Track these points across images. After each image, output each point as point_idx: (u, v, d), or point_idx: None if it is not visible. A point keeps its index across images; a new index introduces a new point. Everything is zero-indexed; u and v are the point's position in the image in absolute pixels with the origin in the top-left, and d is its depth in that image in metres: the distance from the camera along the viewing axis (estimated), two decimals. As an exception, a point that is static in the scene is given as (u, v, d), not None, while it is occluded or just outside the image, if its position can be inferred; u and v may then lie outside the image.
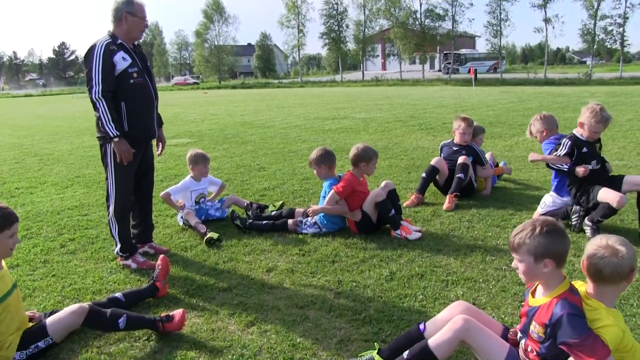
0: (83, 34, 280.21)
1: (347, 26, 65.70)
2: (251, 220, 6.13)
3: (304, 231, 5.93)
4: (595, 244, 2.69)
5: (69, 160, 11.67)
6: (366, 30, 63.65)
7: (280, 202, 6.92)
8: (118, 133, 4.75)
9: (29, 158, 12.33)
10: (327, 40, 66.14)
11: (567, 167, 5.63)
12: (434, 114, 18.94)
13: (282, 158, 10.83)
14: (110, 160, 4.93)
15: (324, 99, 31.42)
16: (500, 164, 8.27)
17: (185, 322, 3.79)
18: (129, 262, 5.11)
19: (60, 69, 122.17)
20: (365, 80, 58.82)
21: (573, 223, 5.60)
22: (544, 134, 6.02)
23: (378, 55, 74.24)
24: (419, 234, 5.60)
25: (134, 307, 4.17)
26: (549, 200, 5.99)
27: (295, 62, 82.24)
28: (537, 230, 2.69)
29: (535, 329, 2.71)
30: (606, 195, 5.34)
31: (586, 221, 5.47)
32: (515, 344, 2.94)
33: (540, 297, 2.77)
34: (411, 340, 3.09)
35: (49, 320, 3.52)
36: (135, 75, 4.85)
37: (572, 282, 2.80)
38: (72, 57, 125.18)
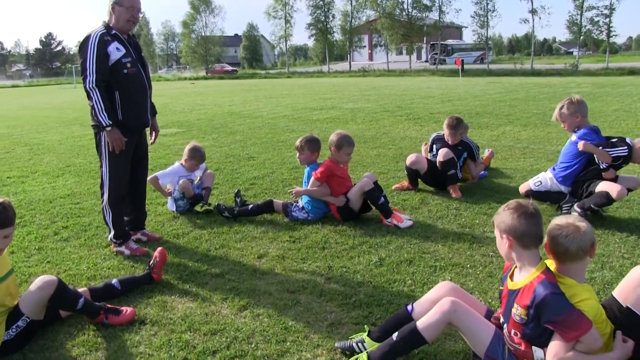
0: (70, 25, 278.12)
1: (334, 17, 65.72)
2: (237, 208, 6.24)
3: (293, 214, 6.06)
4: (557, 224, 2.84)
5: (59, 150, 11.68)
6: (353, 20, 63.67)
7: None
8: (110, 122, 4.81)
9: (19, 148, 12.34)
10: (314, 31, 66.07)
11: (605, 165, 5.67)
12: (421, 104, 19.05)
13: (271, 147, 10.89)
14: (104, 148, 4.99)
15: (311, 90, 31.45)
16: (485, 152, 8.34)
17: (131, 320, 3.83)
18: (122, 248, 5.18)
19: (47, 59, 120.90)
20: (352, 71, 58.81)
21: (563, 212, 5.72)
22: (579, 119, 5.95)
23: (365, 46, 74.36)
24: (410, 222, 5.71)
25: (129, 292, 4.26)
26: (548, 181, 6.09)
27: (282, 52, 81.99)
28: (505, 207, 2.87)
29: (518, 311, 2.79)
30: (607, 186, 5.49)
31: (575, 207, 5.58)
32: (499, 326, 3.04)
33: (519, 280, 2.86)
34: (400, 322, 3.19)
35: (20, 300, 3.60)
36: (129, 65, 4.90)
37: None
38: (59, 47, 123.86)
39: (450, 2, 58.91)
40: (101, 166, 5.12)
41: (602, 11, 49.25)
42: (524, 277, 2.83)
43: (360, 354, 3.12)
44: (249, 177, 8.26)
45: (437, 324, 2.94)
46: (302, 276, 4.53)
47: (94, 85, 4.74)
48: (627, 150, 5.61)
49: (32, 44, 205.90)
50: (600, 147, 5.68)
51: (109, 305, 3.88)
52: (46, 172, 9.27)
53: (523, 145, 10.12)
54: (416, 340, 2.97)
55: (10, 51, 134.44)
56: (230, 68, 76.19)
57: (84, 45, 4.79)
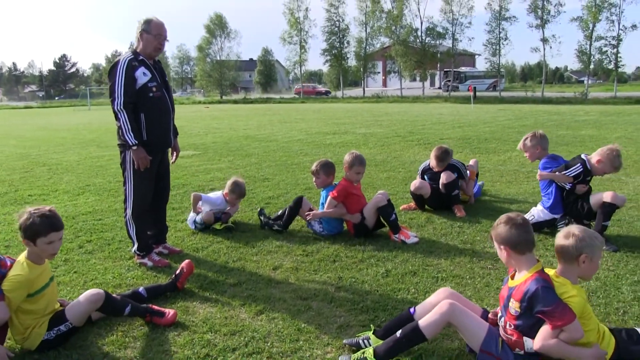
0: (84, 47, 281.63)
1: (349, 43, 66.30)
2: (272, 222, 6.73)
3: (311, 222, 6.47)
4: (563, 231, 3.32)
5: (77, 170, 12.05)
6: (367, 47, 64.28)
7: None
8: (137, 142, 5.21)
9: (38, 167, 12.69)
10: (328, 57, 66.69)
11: (569, 186, 6.13)
12: (432, 130, 19.44)
13: (285, 170, 11.28)
14: (129, 166, 5.39)
15: (324, 115, 31.95)
16: (471, 162, 8.47)
17: (173, 322, 4.18)
18: (145, 260, 5.55)
19: (60, 81, 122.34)
20: (366, 97, 59.42)
21: (559, 229, 6.05)
22: (538, 150, 6.42)
23: (379, 72, 74.87)
24: (416, 239, 6.07)
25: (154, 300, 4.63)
26: (540, 214, 6.41)
27: (296, 77, 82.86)
28: (498, 221, 3.35)
29: (513, 305, 3.23)
30: (600, 196, 5.91)
31: None
32: (494, 323, 3.43)
33: (517, 279, 3.30)
34: (402, 322, 3.54)
35: (67, 307, 3.97)
36: (154, 89, 5.33)
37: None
38: (73, 69, 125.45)
39: (463, 30, 59.26)
40: (125, 183, 5.51)
41: (609, 42, 49.80)
42: (521, 276, 3.26)
43: (366, 348, 3.45)
44: (264, 197, 8.64)
45: (436, 323, 3.28)
46: (314, 285, 4.88)
47: (121, 107, 5.16)
48: (581, 167, 6.05)
49: (46, 65, 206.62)
50: (557, 172, 6.15)
51: (154, 308, 4.25)
52: (67, 191, 9.60)
53: (527, 169, 10.45)
54: (417, 337, 3.31)
55: (23, 72, 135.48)
56: (323, 89, 75.01)
57: (113, 69, 5.23)
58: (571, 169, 6.11)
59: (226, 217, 6.91)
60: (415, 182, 7.43)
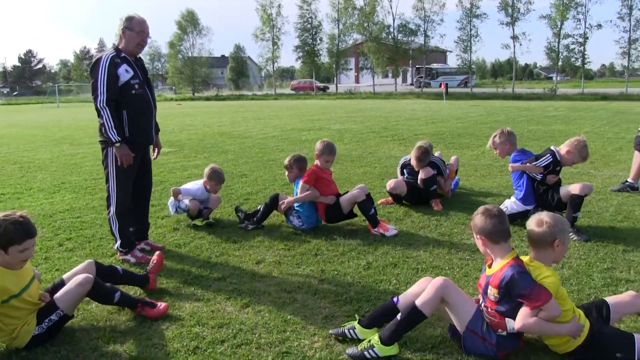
0: (51, 43, 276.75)
1: (321, 39, 66.38)
2: (248, 219, 6.79)
3: (290, 218, 6.58)
4: (533, 218, 3.51)
5: (51, 168, 11.92)
6: (340, 44, 64.38)
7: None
8: (120, 138, 5.24)
9: (9, 166, 12.50)
10: (301, 54, 66.69)
11: (540, 176, 6.35)
12: (406, 126, 19.65)
13: (262, 166, 11.35)
14: (111, 163, 5.41)
15: (298, 111, 32.01)
16: (451, 160, 8.59)
17: (163, 314, 4.25)
18: (128, 256, 5.59)
19: (26, 77, 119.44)
20: (338, 93, 59.54)
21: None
22: (507, 146, 6.65)
23: (351, 69, 75.14)
24: (395, 231, 6.22)
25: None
26: (513, 205, 6.59)
27: (269, 74, 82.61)
28: (476, 213, 3.54)
29: (492, 291, 3.40)
30: (568, 188, 6.12)
31: None
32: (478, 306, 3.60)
33: (494, 267, 3.46)
34: (386, 311, 3.70)
35: (56, 296, 3.95)
36: (136, 86, 5.37)
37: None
38: (40, 65, 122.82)
39: (435, 27, 59.85)
40: (107, 180, 5.53)
41: (577, 39, 50.90)
42: (497, 264, 3.43)
43: (372, 336, 3.55)
44: (242, 192, 8.71)
45: (432, 299, 3.41)
46: (298, 278, 4.98)
47: (104, 104, 5.18)
48: (551, 157, 6.30)
49: (10, 61, 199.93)
50: (527, 164, 6.37)
51: (146, 299, 4.31)
52: (42, 189, 9.51)
53: (501, 164, 10.66)
54: (417, 316, 3.44)
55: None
56: (321, 85, 73.35)
57: (95, 66, 5.25)
58: (541, 159, 6.34)
59: (207, 212, 6.96)
60: (391, 182, 7.56)
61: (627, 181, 8.32)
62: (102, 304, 4.28)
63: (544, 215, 3.46)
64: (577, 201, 6.05)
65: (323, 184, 6.59)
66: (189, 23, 71.15)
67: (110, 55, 5.26)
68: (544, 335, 3.48)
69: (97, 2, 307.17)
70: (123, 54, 5.35)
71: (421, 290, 3.56)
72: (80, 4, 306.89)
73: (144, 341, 3.87)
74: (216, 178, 7.05)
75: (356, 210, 6.57)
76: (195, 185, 7.12)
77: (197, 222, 6.83)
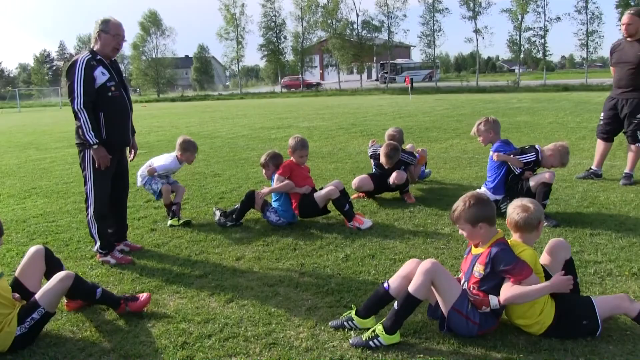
0: (9, 47, 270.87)
1: (286, 38, 66.50)
2: (226, 218, 6.84)
3: (267, 214, 6.68)
4: (514, 205, 3.76)
5: (19, 174, 11.74)
6: (304, 41, 64.55)
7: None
8: (97, 141, 5.28)
9: (-25, 172, 12.26)
10: (265, 52, 66.65)
11: (519, 170, 6.54)
12: (373, 121, 19.86)
13: (234, 165, 11.40)
14: (88, 165, 5.43)
15: (265, 110, 32.01)
16: (419, 152, 8.37)
17: (147, 305, 4.33)
18: (108, 258, 5.61)
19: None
20: (304, 91, 59.68)
21: (502, 211, 6.43)
22: (491, 135, 6.81)
23: (316, 66, 75.34)
24: (370, 223, 6.37)
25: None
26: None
27: (234, 74, 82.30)
28: (467, 204, 3.65)
29: (478, 268, 3.61)
30: (537, 177, 6.36)
31: None
32: None
33: (480, 247, 3.68)
34: (380, 298, 3.84)
35: (38, 294, 3.93)
36: (113, 88, 5.40)
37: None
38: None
39: (398, 23, 60.51)
40: (85, 182, 5.55)
41: (537, 32, 52.13)
42: (484, 244, 3.64)
43: (376, 325, 3.67)
44: (217, 192, 8.77)
45: (424, 283, 3.53)
46: (278, 273, 5.08)
47: (81, 106, 5.21)
48: (534, 156, 6.50)
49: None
50: (512, 155, 6.55)
51: (127, 295, 4.38)
52: (12, 195, 9.40)
53: (469, 155, 10.92)
54: (412, 302, 3.56)
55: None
56: (314, 81, 72.86)
57: (71, 69, 5.26)
58: (526, 155, 6.53)
59: (177, 208, 7.04)
60: (355, 182, 7.73)
61: (591, 168, 8.59)
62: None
63: (525, 201, 3.74)
64: (546, 189, 6.27)
65: (299, 177, 6.72)
66: (152, 24, 70.57)
67: (86, 58, 5.28)
68: (517, 316, 3.66)
69: (57, 5, 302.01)
70: (99, 57, 5.38)
71: (409, 272, 3.72)
72: (39, 7, 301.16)
73: (131, 339, 3.92)
74: (192, 148, 7.12)
75: (330, 206, 6.70)
76: (168, 159, 7.17)
77: (174, 222, 6.87)
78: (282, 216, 6.63)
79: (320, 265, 5.22)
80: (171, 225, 6.84)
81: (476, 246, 3.75)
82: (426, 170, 8.55)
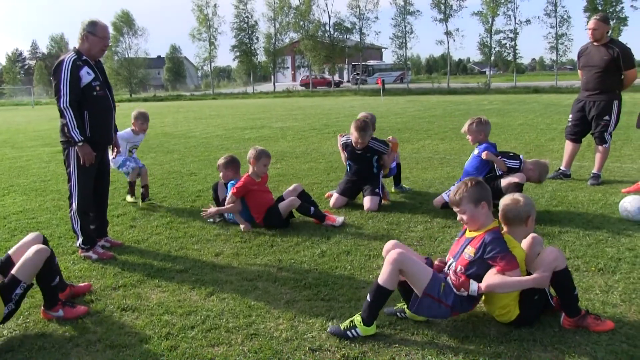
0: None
1: (258, 39, 66.48)
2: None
3: (226, 215, 6.93)
4: (508, 199, 4.06)
5: (-5, 172, 11.77)
6: (276, 42, 64.64)
7: None
8: (82, 138, 5.41)
9: (-52, 171, 12.23)
10: (238, 53, 66.53)
11: (500, 172, 6.84)
12: (346, 122, 20.02)
13: (209, 164, 11.50)
14: (73, 162, 5.57)
15: (239, 110, 32.07)
16: (390, 140, 7.96)
17: (85, 314, 4.33)
18: (90, 253, 5.72)
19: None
20: (276, 92, 59.76)
21: None
22: (482, 136, 7.01)
23: (288, 67, 75.39)
24: (342, 219, 6.56)
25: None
26: None
27: (206, 74, 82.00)
28: (469, 184, 3.88)
29: (468, 250, 3.82)
30: (509, 178, 6.64)
31: None
32: (440, 270, 4.00)
33: (477, 231, 3.88)
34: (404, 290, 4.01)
35: (15, 269, 3.99)
36: (97, 88, 5.55)
37: None
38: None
39: (370, 25, 61.12)
40: (70, 179, 5.68)
41: (508, 35, 53.11)
42: (480, 229, 3.85)
43: (354, 316, 3.82)
44: (193, 190, 8.90)
45: (391, 273, 3.71)
46: (257, 268, 5.26)
47: (67, 104, 5.34)
48: (518, 164, 6.82)
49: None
50: (500, 157, 6.84)
51: (67, 301, 4.43)
52: (-11, 192, 9.44)
53: (441, 156, 11.21)
54: (383, 293, 3.74)
55: None
56: (337, 79, 69.30)
57: (58, 68, 5.40)
58: (512, 161, 6.82)
59: (146, 190, 7.95)
60: (332, 201, 7.53)
61: (560, 169, 8.92)
62: (42, 281, 4.23)
63: (517, 195, 4.05)
64: (518, 189, 6.51)
65: (254, 196, 6.70)
66: (125, 24, 69.90)
67: (72, 58, 5.41)
68: (492, 305, 3.89)
69: (30, 4, 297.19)
70: (84, 57, 5.51)
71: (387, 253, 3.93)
72: (11, 5, 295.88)
73: (116, 330, 4.06)
74: (142, 117, 8.04)
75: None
76: (124, 133, 7.95)
77: (143, 204, 7.82)
78: (244, 217, 6.74)
79: (297, 261, 5.40)
80: (133, 204, 7.90)
81: (471, 230, 3.95)
82: (406, 187, 8.43)
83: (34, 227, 7.00)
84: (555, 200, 7.44)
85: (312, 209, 6.64)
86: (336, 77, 67.04)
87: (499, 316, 3.90)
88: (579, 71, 8.73)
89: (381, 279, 3.74)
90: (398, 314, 4.09)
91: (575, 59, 8.99)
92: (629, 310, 4.09)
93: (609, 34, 8.31)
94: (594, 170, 8.46)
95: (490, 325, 3.92)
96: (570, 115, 8.88)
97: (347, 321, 3.83)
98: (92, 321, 4.24)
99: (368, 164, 7.62)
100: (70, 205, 5.74)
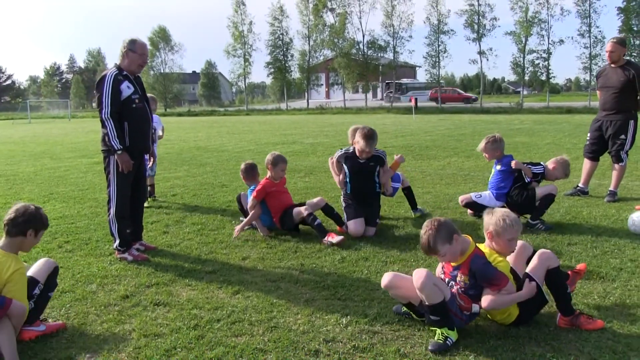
0: (20, 59, 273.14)
1: (292, 56, 67.22)
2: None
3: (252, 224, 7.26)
4: (490, 215, 4.21)
5: (37, 180, 12.33)
6: (310, 60, 65.34)
7: None
8: (121, 147, 5.88)
9: (-5, 179, 12.77)
10: (272, 70, 67.36)
11: (528, 180, 7.21)
12: (376, 139, 20.39)
13: (240, 177, 11.91)
14: (112, 169, 6.04)
15: (271, 126, 32.69)
16: (395, 157, 7.72)
17: (56, 329, 4.39)
18: (126, 255, 6.16)
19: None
20: (310, 109, 60.34)
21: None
22: (498, 153, 7.40)
23: (322, 84, 76.03)
24: (340, 238, 6.57)
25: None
26: (487, 197, 7.43)
27: (240, 90, 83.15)
28: (434, 227, 3.96)
29: (462, 278, 4.06)
30: (544, 188, 7.08)
31: (531, 221, 7.02)
32: None
33: (460, 259, 4.08)
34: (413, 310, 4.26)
35: (31, 272, 4.28)
36: (137, 101, 6.04)
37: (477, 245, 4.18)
38: (8, 81, 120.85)
39: (403, 43, 61.21)
40: (109, 185, 6.14)
41: (541, 55, 52.96)
42: (462, 256, 4.05)
43: (441, 329, 3.95)
44: (224, 200, 9.35)
45: (432, 289, 3.87)
46: (280, 271, 5.64)
47: (108, 115, 5.84)
48: (542, 169, 7.28)
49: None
50: (526, 165, 7.26)
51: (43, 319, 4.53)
52: (31, 199, 9.85)
53: (465, 173, 11.49)
54: (442, 305, 3.90)
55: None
56: (471, 95, 69.49)
57: (100, 82, 5.91)
58: (536, 167, 7.27)
59: (152, 189, 8.78)
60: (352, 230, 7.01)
61: (578, 186, 9.14)
62: (49, 289, 4.41)
63: (500, 214, 4.15)
64: (550, 199, 7.02)
65: (274, 197, 7.16)
66: (161, 39, 71.48)
67: (114, 73, 5.91)
68: (494, 313, 4.17)
69: (68, 19, 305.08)
70: (125, 72, 6.00)
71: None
72: (50, 20, 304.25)
73: (149, 322, 4.46)
74: (151, 100, 7.90)
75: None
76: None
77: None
78: (264, 222, 7.21)
79: (318, 265, 5.77)
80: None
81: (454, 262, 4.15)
82: (425, 210, 8.14)
83: (74, 231, 7.47)
84: (570, 215, 7.68)
85: (318, 220, 6.79)
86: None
87: (501, 320, 4.19)
88: (597, 92, 8.98)
89: (429, 300, 3.89)
90: (406, 315, 4.38)
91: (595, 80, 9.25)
92: (621, 312, 4.39)
93: (625, 56, 8.56)
94: (611, 188, 8.67)
95: (490, 324, 4.24)
96: (589, 134, 9.15)
97: (439, 334, 3.95)
98: (129, 314, 4.64)
99: (371, 178, 7.39)
100: (109, 209, 6.19)
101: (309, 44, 64.46)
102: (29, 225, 4.24)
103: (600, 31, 52.62)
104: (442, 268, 4.29)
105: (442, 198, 9.08)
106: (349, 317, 4.40)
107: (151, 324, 4.41)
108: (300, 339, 4.04)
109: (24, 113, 62.85)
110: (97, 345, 4.08)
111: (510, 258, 4.35)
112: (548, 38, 52.33)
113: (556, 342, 3.89)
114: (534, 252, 4.39)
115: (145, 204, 7.63)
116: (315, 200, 7.19)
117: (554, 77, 56.98)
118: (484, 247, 4.22)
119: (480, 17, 54.20)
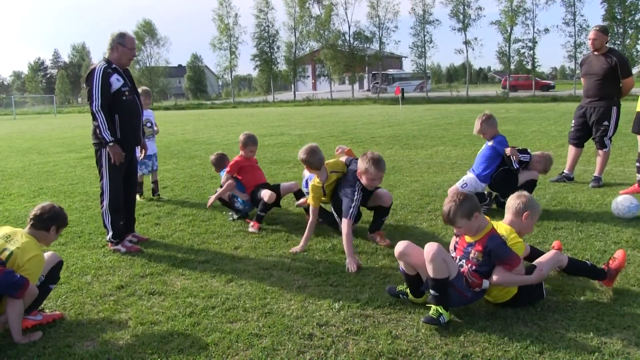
0: (3, 54, 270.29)
1: (279, 48, 67.25)
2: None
3: (235, 206, 7.57)
4: (514, 195, 4.56)
5: (26, 176, 12.31)
6: (297, 51, 65.34)
7: None
8: (113, 139, 5.93)
9: (-18, 174, 12.75)
10: (258, 62, 67.33)
11: (516, 166, 7.28)
12: (363, 130, 20.56)
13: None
14: (104, 162, 6.08)
15: (258, 118, 32.74)
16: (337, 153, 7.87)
17: (52, 319, 4.45)
18: (119, 247, 6.22)
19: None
20: (296, 100, 60.46)
21: (486, 202, 7.23)
22: (494, 129, 7.41)
23: (309, 76, 76.14)
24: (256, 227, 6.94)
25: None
26: (472, 182, 7.45)
27: (226, 83, 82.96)
28: (458, 201, 4.10)
29: (475, 255, 4.13)
30: (525, 175, 7.26)
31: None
32: None
33: (476, 235, 4.17)
34: (411, 281, 4.38)
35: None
36: (127, 93, 6.09)
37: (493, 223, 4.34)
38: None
39: (389, 34, 61.38)
40: (101, 178, 6.19)
41: (526, 44, 53.31)
42: (479, 233, 4.15)
43: (437, 306, 4.06)
44: (213, 192, 9.36)
45: (441, 264, 3.96)
46: (273, 259, 5.74)
47: (99, 108, 5.88)
48: (528, 157, 7.35)
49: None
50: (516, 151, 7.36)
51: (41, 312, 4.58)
52: (21, 194, 9.96)
53: (452, 161, 11.63)
54: (443, 283, 4.02)
55: None
56: (550, 82, 67.20)
57: (90, 76, 5.96)
58: (523, 155, 7.34)
59: (156, 185, 8.91)
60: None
61: (563, 172, 9.30)
62: (45, 280, 4.44)
63: (524, 193, 4.54)
64: (532, 184, 7.24)
65: (247, 171, 7.59)
66: (147, 33, 71.19)
67: (103, 67, 5.95)
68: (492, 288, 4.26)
69: (52, 14, 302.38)
70: (114, 65, 6.05)
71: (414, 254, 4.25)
72: (33, 15, 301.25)
73: (145, 310, 4.54)
74: (144, 92, 8.37)
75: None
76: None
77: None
78: (245, 205, 7.51)
79: (309, 253, 5.87)
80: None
81: (470, 237, 4.25)
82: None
83: (67, 224, 7.51)
84: (555, 200, 7.83)
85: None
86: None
87: (495, 296, 4.30)
88: (581, 79, 9.13)
89: (435, 273, 3.99)
90: (400, 295, 4.49)
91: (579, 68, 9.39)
92: (604, 293, 4.54)
93: (607, 44, 8.71)
94: (595, 174, 8.83)
95: (480, 306, 4.36)
96: (573, 121, 9.29)
97: (433, 310, 4.07)
98: (123, 303, 4.71)
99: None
100: (102, 202, 6.25)
101: (295, 35, 64.50)
102: (52, 222, 4.49)
103: (585, 20, 53.25)
104: (455, 244, 4.41)
105: (430, 186, 9.20)
106: (341, 302, 4.50)
107: (147, 313, 4.49)
108: (294, 324, 4.14)
109: (9, 109, 62.48)
110: (94, 334, 4.15)
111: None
112: (533, 27, 52.75)
113: (543, 322, 4.02)
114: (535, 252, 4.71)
115: (142, 199, 7.69)
116: (288, 184, 7.67)
117: (539, 65, 57.28)
118: (503, 225, 4.39)
119: (466, 7, 54.48)
